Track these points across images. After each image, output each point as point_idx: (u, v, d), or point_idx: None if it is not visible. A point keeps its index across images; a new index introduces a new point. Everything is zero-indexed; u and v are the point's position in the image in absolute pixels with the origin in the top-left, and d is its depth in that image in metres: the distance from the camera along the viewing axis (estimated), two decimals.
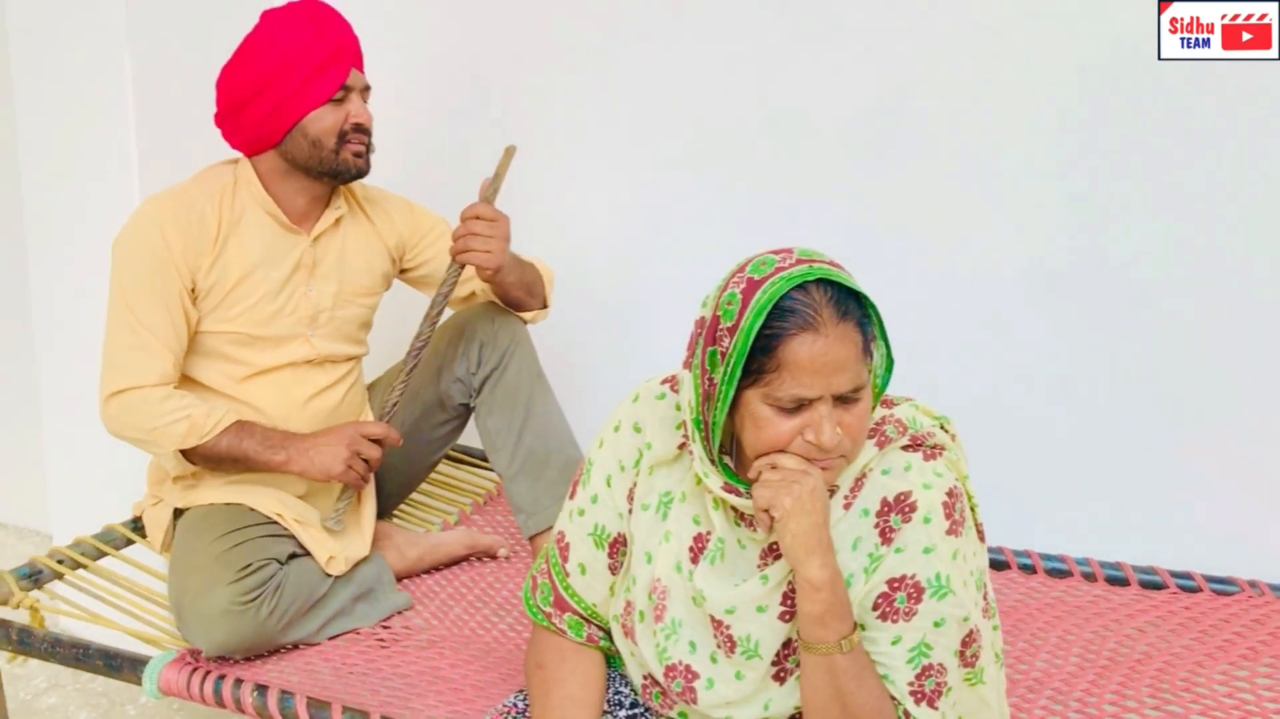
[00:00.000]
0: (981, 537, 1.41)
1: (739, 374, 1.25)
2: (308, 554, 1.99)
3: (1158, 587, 2.09)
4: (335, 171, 2.01)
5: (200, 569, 1.86)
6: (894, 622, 1.30)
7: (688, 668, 1.38)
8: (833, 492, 1.33)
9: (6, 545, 3.36)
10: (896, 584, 1.29)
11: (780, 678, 1.36)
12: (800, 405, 1.24)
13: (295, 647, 1.94)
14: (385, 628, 2.02)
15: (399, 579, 2.15)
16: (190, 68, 2.54)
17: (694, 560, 1.38)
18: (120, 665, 1.85)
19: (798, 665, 1.34)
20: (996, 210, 2.30)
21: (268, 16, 1.99)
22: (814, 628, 1.28)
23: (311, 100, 1.96)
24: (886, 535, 1.30)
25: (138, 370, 1.94)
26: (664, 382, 1.48)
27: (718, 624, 1.36)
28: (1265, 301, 2.12)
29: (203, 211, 1.98)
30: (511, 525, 2.42)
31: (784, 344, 1.22)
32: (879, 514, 1.31)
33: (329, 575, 1.97)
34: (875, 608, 1.30)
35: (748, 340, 1.23)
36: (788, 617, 1.34)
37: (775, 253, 1.29)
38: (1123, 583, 2.11)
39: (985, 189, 2.31)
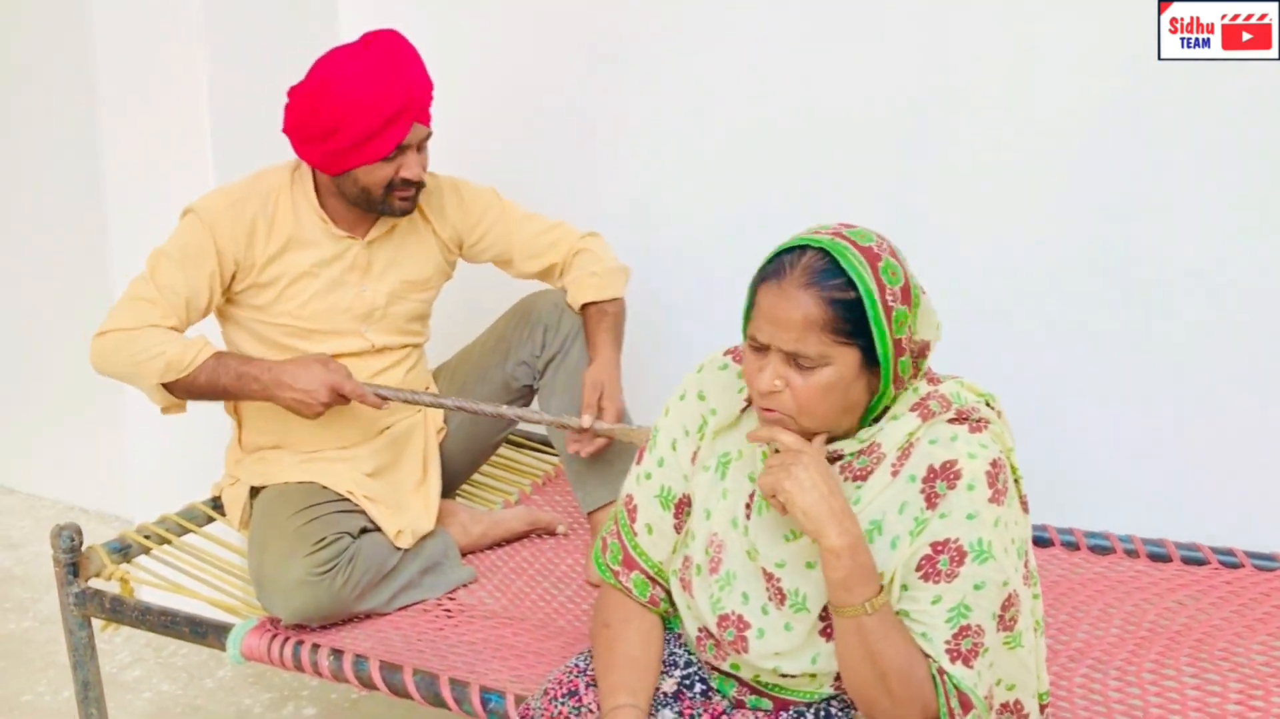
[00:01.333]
0: (1025, 508, 1.47)
1: (746, 314, 1.40)
2: (378, 529, 2.10)
3: (1200, 562, 2.13)
4: (380, 213, 2.11)
5: (278, 542, 1.97)
6: (935, 582, 1.36)
7: (740, 618, 1.46)
8: (834, 459, 1.41)
9: (89, 530, 3.51)
10: (940, 547, 1.35)
11: (828, 634, 1.43)
12: (764, 349, 1.36)
13: (367, 616, 2.04)
14: (451, 599, 2.13)
15: (463, 554, 2.25)
16: (264, 69, 2.68)
17: (748, 516, 1.48)
18: (205, 632, 1.97)
19: None
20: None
21: (338, 58, 2.02)
22: (840, 593, 1.35)
23: (366, 157, 2.02)
24: (931, 500, 1.36)
25: (132, 317, 2.00)
26: (726, 353, 1.58)
27: (769, 577, 1.45)
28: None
29: (255, 212, 2.08)
30: (570, 504, 2.51)
31: (758, 289, 1.37)
32: (925, 480, 1.37)
33: (398, 549, 2.08)
34: (918, 569, 1.37)
35: (751, 284, 1.38)
36: None
37: (828, 224, 1.40)
38: (1165, 559, 2.15)
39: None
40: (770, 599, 1.45)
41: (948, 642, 1.36)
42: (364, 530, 2.06)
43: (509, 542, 2.34)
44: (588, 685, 1.53)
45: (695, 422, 1.56)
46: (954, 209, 2.41)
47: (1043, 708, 1.52)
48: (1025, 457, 2.28)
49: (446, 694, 1.75)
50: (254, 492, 2.20)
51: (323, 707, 2.56)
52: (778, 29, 2.49)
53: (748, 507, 1.48)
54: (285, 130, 2.09)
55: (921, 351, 1.40)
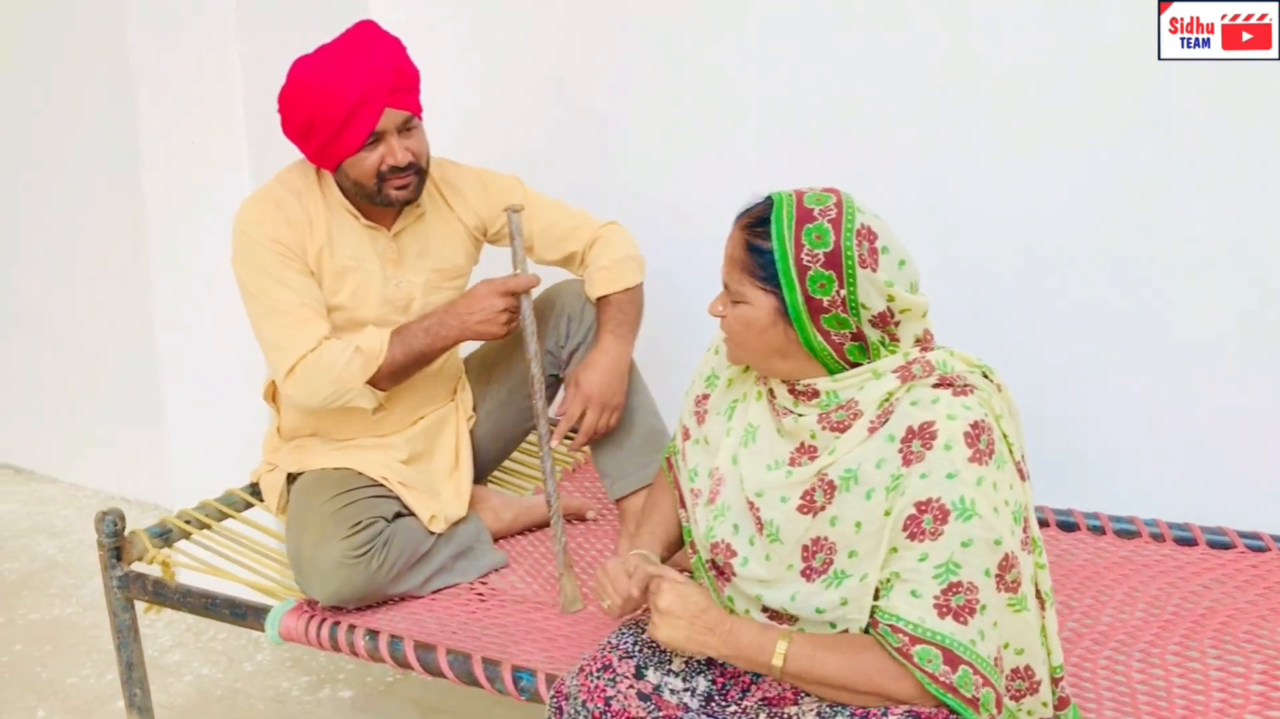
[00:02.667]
0: (1022, 475, 1.49)
1: None
2: (412, 514, 2.14)
3: (1226, 546, 2.14)
4: (382, 203, 2.11)
5: (315, 526, 2.02)
6: (921, 541, 1.41)
7: (728, 545, 1.58)
8: (810, 395, 1.53)
9: (131, 517, 3.59)
10: (924, 506, 1.40)
11: (808, 576, 1.50)
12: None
13: (401, 599, 2.09)
14: (483, 583, 2.17)
15: (494, 539, 2.29)
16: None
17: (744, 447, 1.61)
18: (244, 614, 2.03)
19: (824, 569, 1.48)
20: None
21: (301, 62, 2.06)
22: (756, 667, 1.48)
23: (344, 149, 2.03)
24: (907, 458, 1.42)
25: (294, 344, 2.06)
26: None
27: (751, 505, 1.56)
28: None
29: (293, 207, 2.12)
30: (598, 491, 2.55)
31: None
32: (903, 440, 1.43)
33: (431, 534, 2.12)
34: (905, 529, 1.42)
35: None
36: (806, 510, 1.50)
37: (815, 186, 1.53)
38: (1190, 543, 2.16)
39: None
40: (755, 529, 1.56)
41: (936, 597, 1.40)
42: (398, 515, 2.11)
43: (539, 527, 2.38)
44: (621, 659, 1.58)
45: (706, 370, 1.74)
46: (951, 209, 2.44)
47: (1056, 682, 1.54)
48: (1051, 440, 2.33)
49: (479, 673, 1.79)
50: (291, 478, 2.25)
51: (359, 689, 2.62)
52: (800, 19, 2.51)
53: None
54: (283, 132, 2.12)
55: (881, 320, 1.47)
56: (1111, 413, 2.40)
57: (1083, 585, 2.06)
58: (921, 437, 1.42)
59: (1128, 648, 1.87)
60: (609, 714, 1.49)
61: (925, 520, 1.40)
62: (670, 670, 1.59)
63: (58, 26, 3.44)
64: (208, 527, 2.29)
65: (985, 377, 1.50)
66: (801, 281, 1.45)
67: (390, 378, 2.11)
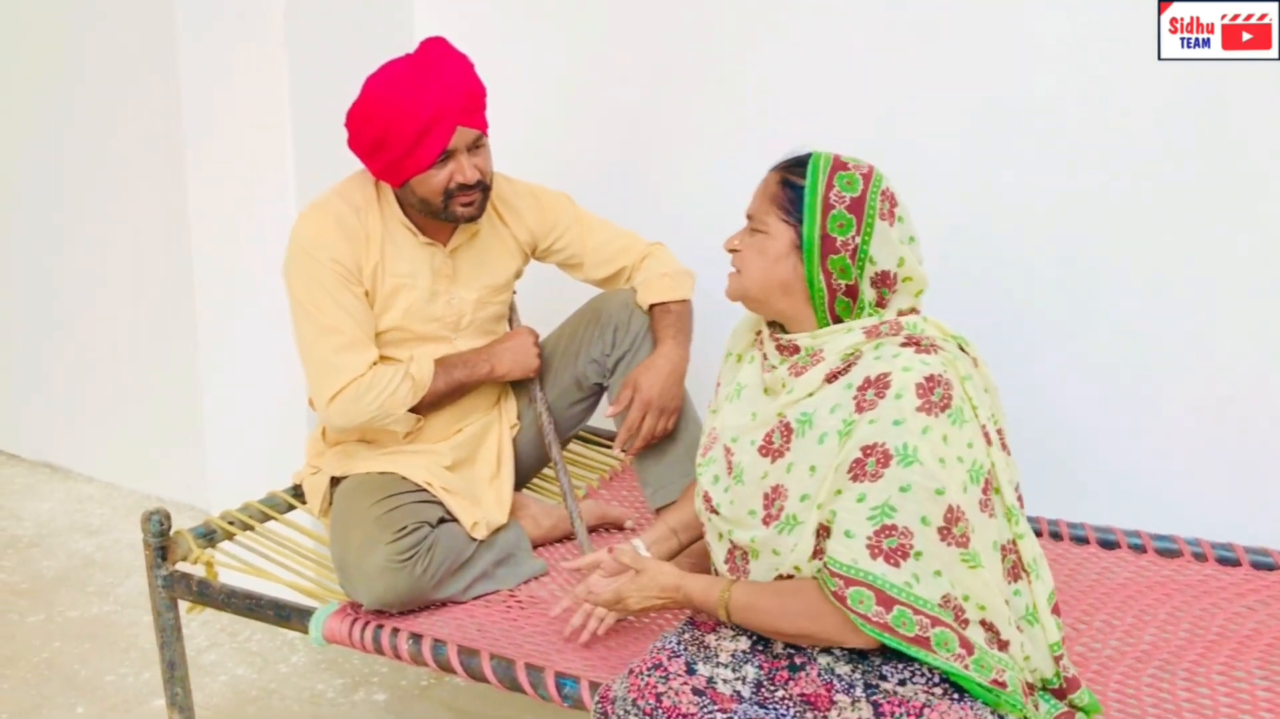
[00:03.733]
0: (988, 439, 1.53)
1: None
2: (454, 520, 2.15)
3: (1270, 567, 2.13)
4: (447, 219, 2.14)
5: (360, 530, 2.04)
6: (861, 482, 1.47)
7: (707, 494, 1.71)
8: (791, 350, 1.63)
9: None
10: (868, 450, 1.47)
11: (766, 522, 1.59)
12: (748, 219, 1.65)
13: (442, 604, 2.10)
14: (523, 590, 2.18)
15: (534, 546, 2.30)
16: (345, 79, 2.74)
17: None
18: (288, 615, 2.04)
19: (778, 516, 1.57)
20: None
21: (381, 71, 2.07)
22: (704, 612, 1.65)
23: (414, 167, 2.05)
24: (860, 405, 1.50)
25: (345, 367, 2.10)
26: None
27: (726, 451, 1.68)
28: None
29: (352, 223, 2.14)
30: (636, 500, 2.56)
31: None
32: (859, 389, 1.51)
33: (473, 540, 2.13)
34: (849, 471, 1.48)
35: None
36: (765, 452, 1.61)
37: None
38: (1234, 563, 2.15)
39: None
40: (726, 473, 1.67)
41: (869, 538, 1.45)
42: (441, 520, 2.12)
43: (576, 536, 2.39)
44: (669, 657, 1.61)
45: (725, 353, 1.85)
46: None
47: (1056, 659, 1.57)
48: (1090, 455, 2.32)
49: (523, 679, 1.80)
50: (334, 481, 2.27)
51: (393, 692, 2.63)
52: (839, 37, 2.53)
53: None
54: (349, 146, 2.14)
55: (884, 280, 1.56)
56: (1151, 428, 2.39)
57: (1124, 604, 2.05)
58: (876, 386, 1.50)
59: (1171, 667, 1.86)
60: (660, 710, 1.50)
61: (869, 463, 1.47)
62: (719, 663, 1.61)
63: (105, 36, 3.48)
64: (251, 528, 2.31)
65: (961, 348, 1.57)
66: (824, 217, 1.55)
67: (430, 406, 2.19)
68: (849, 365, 1.55)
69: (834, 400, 1.54)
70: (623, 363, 2.28)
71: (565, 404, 2.36)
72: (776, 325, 1.70)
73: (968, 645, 1.47)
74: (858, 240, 1.55)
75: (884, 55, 2.50)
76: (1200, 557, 2.18)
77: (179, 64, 2.86)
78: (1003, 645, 1.51)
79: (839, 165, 1.58)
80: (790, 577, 1.57)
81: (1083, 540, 2.26)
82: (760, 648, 1.63)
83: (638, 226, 2.45)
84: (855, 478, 1.48)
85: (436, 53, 2.08)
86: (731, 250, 1.67)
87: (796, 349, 1.62)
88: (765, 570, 1.60)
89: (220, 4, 2.74)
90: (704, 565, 2.10)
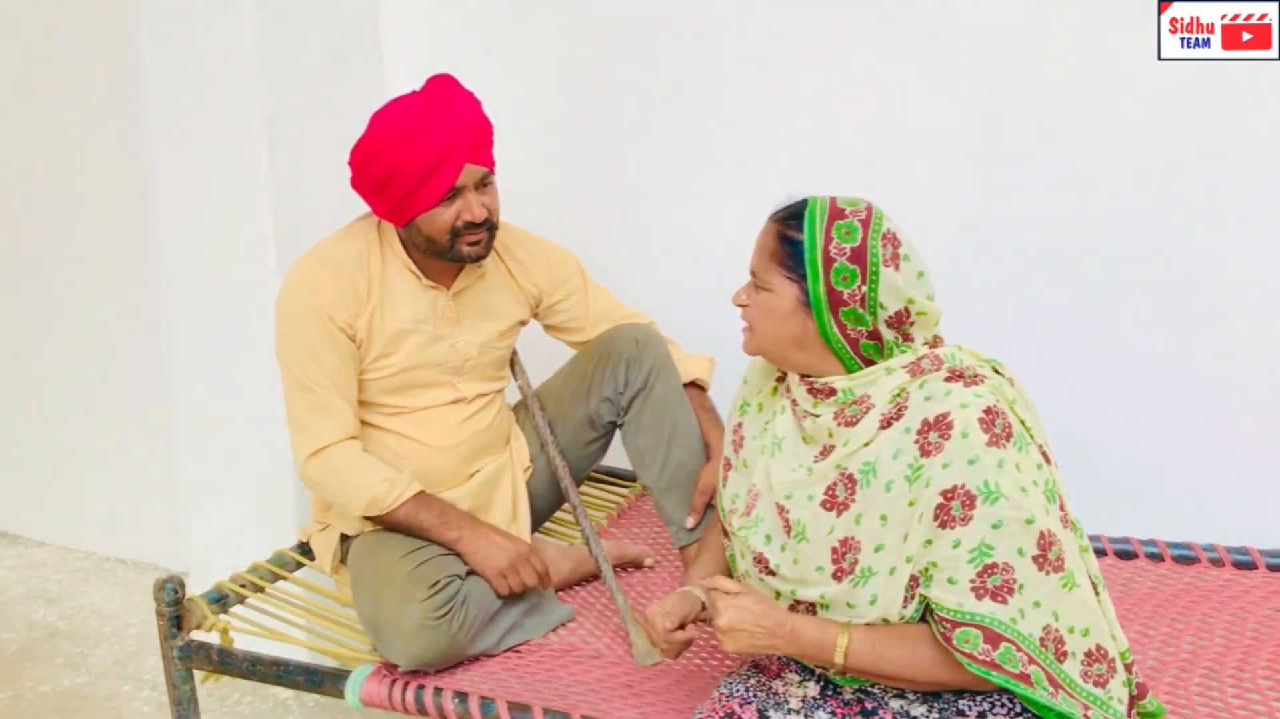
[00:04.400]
0: (1047, 458, 1.55)
1: None
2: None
3: None
4: (452, 259, 2.09)
5: (392, 588, 1.97)
6: (952, 528, 1.46)
7: (761, 555, 1.65)
8: (828, 393, 1.59)
9: (128, 579, 3.47)
10: (949, 494, 1.46)
11: (837, 577, 1.55)
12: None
13: (475, 659, 2.04)
14: (555, 638, 2.13)
15: (556, 590, 2.25)
16: (321, 120, 2.68)
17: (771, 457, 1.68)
18: (320, 680, 1.96)
19: (852, 570, 1.53)
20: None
21: (382, 113, 2.03)
22: (818, 661, 1.56)
23: (422, 204, 2.01)
24: (925, 449, 1.49)
25: (324, 429, 2.05)
26: None
27: (780, 509, 1.62)
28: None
29: (352, 274, 2.08)
30: (649, 536, 2.52)
31: None
32: (919, 432, 1.50)
33: None
34: (935, 518, 1.47)
35: None
36: (829, 505, 1.57)
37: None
38: (1250, 566, 2.20)
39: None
40: (784, 532, 1.61)
41: (972, 580, 1.45)
42: (469, 572, 2.06)
43: (596, 577, 2.34)
44: (741, 704, 1.59)
45: (739, 402, 1.82)
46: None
47: (1128, 667, 1.57)
48: (1100, 465, 2.35)
49: None
50: (343, 537, 2.20)
51: None
52: (834, 56, 2.54)
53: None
54: (352, 186, 2.10)
55: (898, 321, 1.54)
56: (1154, 437, 2.44)
57: (1155, 614, 2.08)
58: (938, 428, 1.48)
59: (1217, 674, 1.89)
60: None
61: (954, 507, 1.45)
62: (790, 709, 1.59)
63: (71, 81, 3.32)
64: (261, 589, 2.22)
65: (995, 371, 1.57)
66: (826, 273, 1.53)
67: (382, 523, 2.10)
68: (900, 408, 1.53)
69: (895, 446, 1.52)
70: (637, 400, 2.24)
71: (579, 444, 2.32)
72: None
73: (1055, 683, 1.47)
74: (864, 290, 1.53)
75: (880, 62, 2.52)
76: (1217, 562, 2.23)
77: (148, 118, 2.74)
78: (1113, 669, 1.51)
79: (835, 214, 1.55)
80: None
81: (1099, 553, 2.29)
82: (831, 693, 1.61)
83: (620, 244, 2.43)
84: (944, 525, 1.46)
85: (445, 89, 2.04)
86: (740, 306, 1.65)
87: (832, 391, 1.58)
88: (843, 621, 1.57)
89: (188, 53, 2.64)
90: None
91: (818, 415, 1.60)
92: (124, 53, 2.92)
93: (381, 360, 2.12)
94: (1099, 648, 1.50)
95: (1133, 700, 1.61)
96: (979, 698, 1.53)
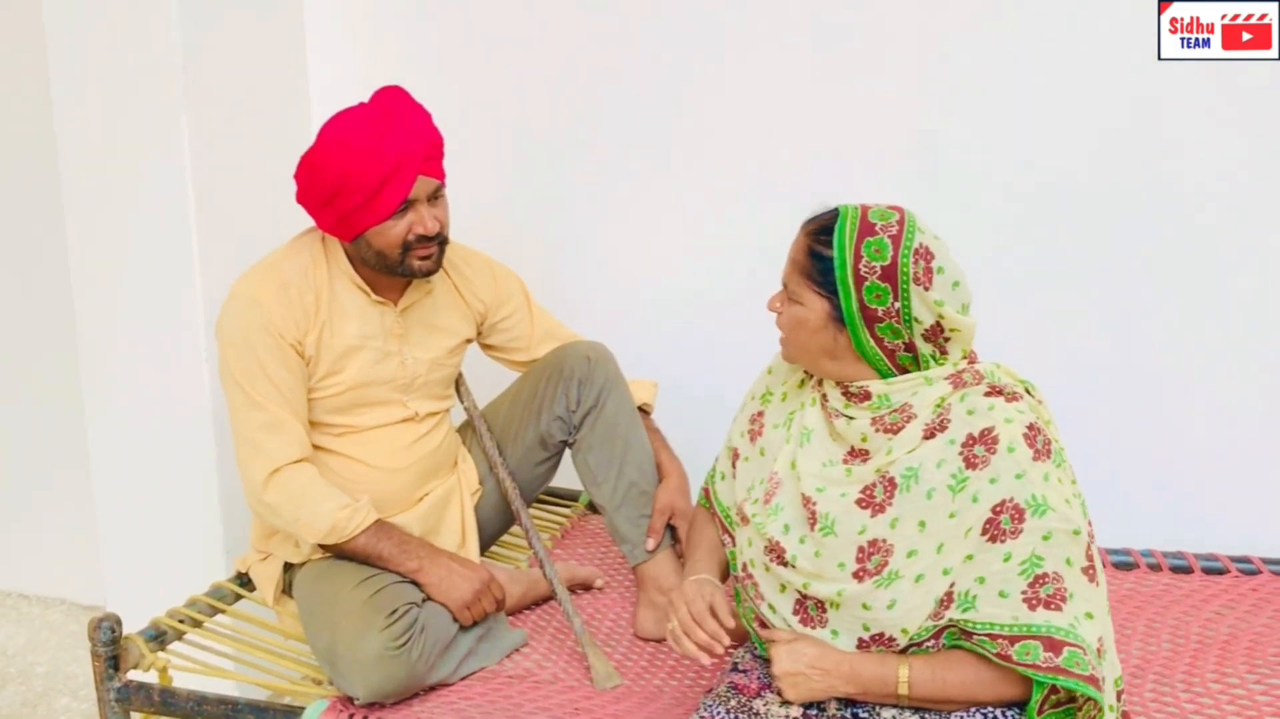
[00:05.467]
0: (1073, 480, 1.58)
1: None
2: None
3: (1220, 572, 2.25)
4: (403, 274, 2.04)
5: (349, 617, 1.90)
6: (1002, 542, 1.47)
7: (778, 543, 1.61)
8: (863, 398, 1.58)
9: (32, 615, 3.30)
10: (999, 509, 1.48)
11: (859, 577, 1.54)
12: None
13: (432, 689, 1.98)
14: (508, 664, 2.07)
15: (507, 615, 2.20)
16: (248, 133, 2.59)
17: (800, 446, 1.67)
18: (273, 718, 1.88)
19: (877, 571, 1.52)
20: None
21: (333, 125, 1.97)
22: (883, 698, 1.54)
23: (372, 217, 1.95)
24: (971, 462, 1.50)
25: (278, 448, 1.98)
26: None
27: (806, 500, 1.60)
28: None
29: (300, 288, 2.02)
30: (595, 557, 2.49)
31: None
32: (964, 445, 1.51)
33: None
34: (984, 533, 1.48)
35: None
36: (865, 504, 1.55)
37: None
38: (1187, 570, 2.27)
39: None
40: (807, 526, 1.59)
41: (1024, 592, 1.47)
42: (425, 599, 2.00)
43: (544, 600, 2.30)
44: None
45: (761, 389, 1.80)
46: (953, 211, 2.45)
47: (1119, 694, 1.57)
48: None
49: None
50: (287, 565, 2.12)
51: None
52: (780, 68, 2.55)
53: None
54: (298, 200, 2.04)
55: (933, 335, 1.54)
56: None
57: None
58: (984, 441, 1.49)
59: (1168, 679, 1.94)
60: None
61: (1003, 521, 1.47)
62: None
63: None
64: (200, 624, 2.12)
65: (1028, 391, 1.59)
66: (858, 291, 1.52)
67: (338, 552, 2.03)
68: (943, 420, 1.53)
69: (939, 456, 1.52)
70: (589, 418, 2.21)
71: (530, 465, 2.27)
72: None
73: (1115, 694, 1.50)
74: (898, 305, 1.52)
75: (822, 73, 2.53)
76: (1155, 567, 2.29)
77: (58, 148, 2.60)
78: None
79: (866, 230, 1.53)
80: (883, 634, 1.54)
81: None
82: (813, 712, 1.60)
83: (560, 262, 2.42)
84: (993, 539, 1.48)
85: (396, 101, 1.99)
86: (773, 311, 1.64)
87: (868, 395, 1.58)
88: (851, 623, 1.55)
89: (107, 62, 2.52)
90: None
91: (852, 418, 1.59)
92: (38, 54, 2.75)
93: (330, 378, 2.05)
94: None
95: None
96: (972, 710, 1.53)
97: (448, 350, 2.19)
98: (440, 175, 2.02)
